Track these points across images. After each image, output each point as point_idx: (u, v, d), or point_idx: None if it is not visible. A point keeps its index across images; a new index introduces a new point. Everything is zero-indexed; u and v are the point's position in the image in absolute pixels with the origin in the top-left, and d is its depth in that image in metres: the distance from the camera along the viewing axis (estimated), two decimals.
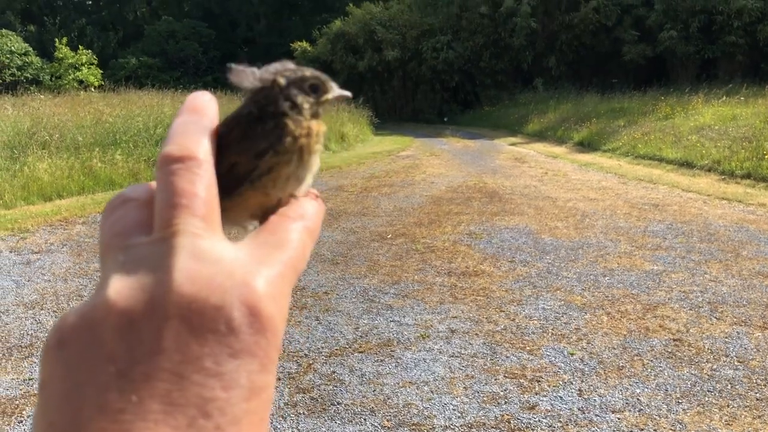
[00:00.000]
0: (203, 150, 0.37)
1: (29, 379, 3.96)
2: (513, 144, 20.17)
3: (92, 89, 29.51)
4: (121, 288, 0.33)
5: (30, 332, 4.69)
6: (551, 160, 15.45)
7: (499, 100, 31.81)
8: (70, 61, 31.50)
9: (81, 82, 31.10)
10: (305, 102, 0.45)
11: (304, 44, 36.93)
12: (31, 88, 27.11)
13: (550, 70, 30.60)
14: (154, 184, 0.37)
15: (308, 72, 0.46)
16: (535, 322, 4.75)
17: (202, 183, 0.36)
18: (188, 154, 0.36)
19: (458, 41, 32.62)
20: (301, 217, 0.42)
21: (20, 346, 4.46)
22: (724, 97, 18.81)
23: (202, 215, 0.35)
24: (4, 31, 32.63)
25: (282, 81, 0.44)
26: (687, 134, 14.88)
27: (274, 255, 0.37)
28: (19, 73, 30.66)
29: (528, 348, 4.29)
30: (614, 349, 4.26)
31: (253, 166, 0.43)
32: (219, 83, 35.40)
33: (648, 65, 28.33)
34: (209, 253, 0.34)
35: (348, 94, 0.48)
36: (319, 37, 36.21)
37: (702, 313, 4.87)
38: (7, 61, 30.28)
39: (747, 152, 12.02)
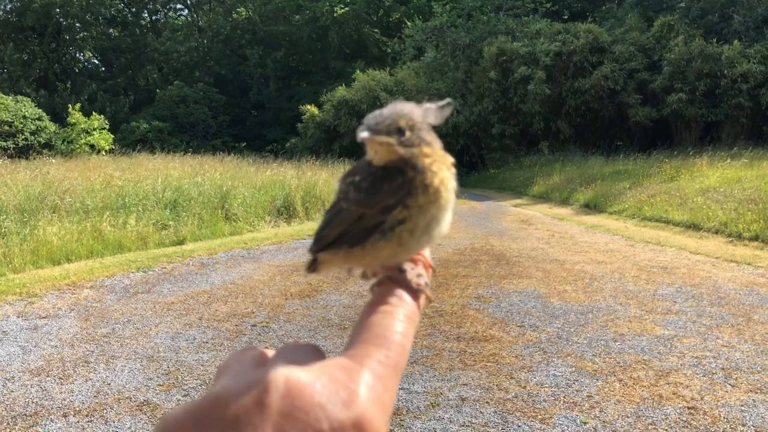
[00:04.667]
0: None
1: None
2: (518, 206, 20.26)
3: (103, 153, 29.99)
4: (228, 385, 0.36)
5: (35, 400, 4.64)
6: (557, 222, 15.47)
7: (505, 163, 32.11)
8: (82, 125, 32.01)
9: (92, 146, 31.57)
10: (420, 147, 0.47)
11: (313, 108, 37.61)
12: (44, 152, 27.63)
13: (557, 134, 30.94)
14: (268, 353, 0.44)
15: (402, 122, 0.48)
16: (547, 389, 4.68)
17: None
18: None
19: (466, 106, 33.11)
20: (401, 302, 0.44)
21: (25, 414, 4.40)
22: (729, 160, 18.97)
23: None
24: (19, 97, 33.33)
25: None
26: (693, 196, 14.93)
27: (374, 354, 0.39)
28: (33, 137, 31.12)
29: (540, 417, 4.21)
30: (628, 417, 4.17)
31: (380, 220, 0.44)
32: (227, 146, 35.96)
33: (652, 128, 28.68)
34: (309, 361, 0.38)
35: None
36: (326, 101, 36.90)
37: (716, 379, 4.79)
38: (21, 126, 30.80)
39: (754, 214, 12.03)
